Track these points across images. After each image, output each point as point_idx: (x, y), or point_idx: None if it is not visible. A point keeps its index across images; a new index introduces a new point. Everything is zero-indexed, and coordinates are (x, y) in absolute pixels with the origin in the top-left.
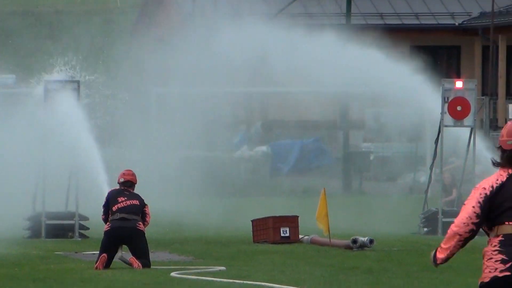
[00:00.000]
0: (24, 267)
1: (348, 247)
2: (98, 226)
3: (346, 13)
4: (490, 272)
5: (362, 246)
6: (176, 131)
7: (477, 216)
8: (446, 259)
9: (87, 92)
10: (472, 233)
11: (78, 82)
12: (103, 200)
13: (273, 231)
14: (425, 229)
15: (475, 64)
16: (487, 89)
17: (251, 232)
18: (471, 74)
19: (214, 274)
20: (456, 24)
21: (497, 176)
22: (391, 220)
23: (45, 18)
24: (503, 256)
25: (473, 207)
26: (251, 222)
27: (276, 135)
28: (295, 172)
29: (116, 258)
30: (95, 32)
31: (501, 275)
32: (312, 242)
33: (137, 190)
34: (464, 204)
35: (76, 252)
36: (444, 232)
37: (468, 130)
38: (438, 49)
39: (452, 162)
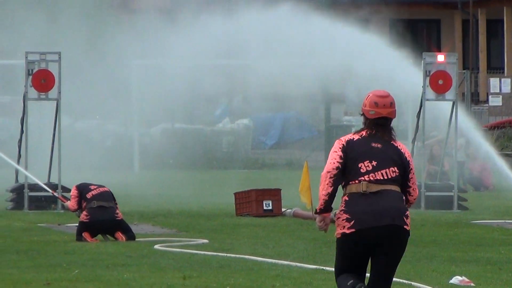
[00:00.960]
0: (7, 239)
1: (331, 221)
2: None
3: None
4: (340, 229)
5: None
6: (156, 103)
7: (341, 157)
8: (324, 204)
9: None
10: (338, 171)
11: (59, 53)
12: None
13: (256, 204)
14: None
15: (456, 38)
16: (468, 63)
17: (234, 205)
18: (451, 48)
19: (197, 246)
20: None
21: (351, 135)
22: None
23: None
24: (348, 216)
25: (336, 152)
26: (233, 195)
27: (257, 108)
28: (277, 145)
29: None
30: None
31: (348, 232)
32: (295, 215)
33: (120, 162)
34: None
35: (59, 224)
36: (428, 206)
37: (449, 104)
38: (417, 22)
39: (434, 136)
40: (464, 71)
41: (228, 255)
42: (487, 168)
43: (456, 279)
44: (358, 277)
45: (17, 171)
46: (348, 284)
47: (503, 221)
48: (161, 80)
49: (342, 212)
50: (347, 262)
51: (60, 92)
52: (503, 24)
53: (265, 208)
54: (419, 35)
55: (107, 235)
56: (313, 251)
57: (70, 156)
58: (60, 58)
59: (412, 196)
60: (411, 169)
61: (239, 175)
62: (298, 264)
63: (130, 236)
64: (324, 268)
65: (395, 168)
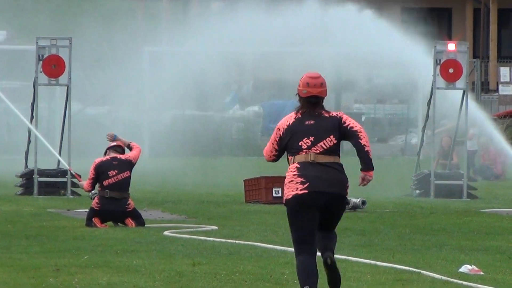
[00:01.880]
0: (17, 224)
1: None
2: None
3: None
4: (292, 191)
5: (355, 207)
6: (168, 90)
7: (276, 150)
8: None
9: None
10: (276, 157)
11: (70, 39)
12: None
13: (265, 191)
14: (417, 191)
15: (467, 26)
16: (478, 51)
17: (243, 192)
18: (462, 36)
19: (206, 233)
20: None
21: (288, 119)
22: (383, 182)
23: None
24: (302, 179)
25: (272, 144)
26: (243, 182)
27: (267, 95)
28: None
29: None
30: None
31: (300, 193)
32: None
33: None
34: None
35: (68, 210)
36: (437, 195)
37: (460, 92)
38: (429, 11)
39: (444, 124)
40: (474, 60)
41: (237, 242)
42: (499, 157)
43: (465, 268)
44: (311, 274)
45: (26, 156)
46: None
47: None
48: (173, 67)
49: (296, 176)
50: (299, 224)
51: (70, 78)
52: None
53: (274, 195)
54: (430, 24)
55: (117, 222)
56: None
57: (79, 142)
58: (71, 43)
59: (361, 139)
60: (347, 121)
61: (249, 162)
62: None
63: (140, 222)
64: None
65: (331, 137)
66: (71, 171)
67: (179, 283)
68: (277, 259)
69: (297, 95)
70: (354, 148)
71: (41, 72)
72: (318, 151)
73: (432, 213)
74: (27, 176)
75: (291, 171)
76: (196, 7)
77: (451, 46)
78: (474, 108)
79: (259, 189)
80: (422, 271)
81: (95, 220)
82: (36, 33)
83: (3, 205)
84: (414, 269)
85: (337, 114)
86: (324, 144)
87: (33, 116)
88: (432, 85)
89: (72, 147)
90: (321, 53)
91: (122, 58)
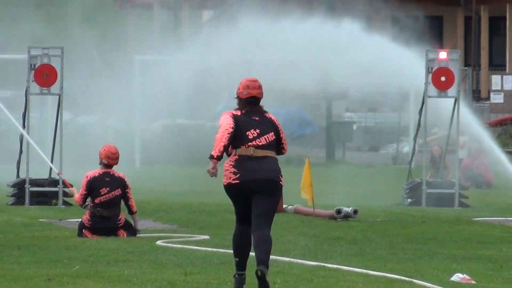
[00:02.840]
0: (8, 234)
1: (332, 217)
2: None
3: None
4: (227, 179)
5: (346, 216)
6: (159, 99)
7: (233, 122)
8: (220, 155)
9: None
10: (233, 130)
11: (62, 48)
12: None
13: None
14: (409, 200)
15: (458, 34)
16: (469, 60)
17: None
18: (453, 44)
19: (198, 242)
20: None
21: (235, 112)
22: (374, 190)
23: None
24: (235, 170)
25: (227, 118)
26: None
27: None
28: None
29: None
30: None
31: (233, 182)
32: (296, 212)
33: (121, 157)
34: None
35: (60, 220)
36: (428, 203)
37: (452, 100)
38: (420, 19)
39: (435, 132)
40: (466, 68)
41: (229, 251)
42: (487, 166)
43: (457, 277)
44: (243, 253)
45: (18, 166)
46: (234, 258)
47: (505, 218)
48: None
49: (232, 167)
50: (237, 206)
51: (62, 87)
52: (506, 21)
53: None
54: (421, 32)
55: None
56: (314, 248)
57: (71, 151)
58: (62, 53)
59: (284, 149)
60: (281, 131)
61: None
62: (299, 261)
63: (131, 232)
64: (325, 264)
65: (272, 133)
66: (60, 175)
67: None
68: (269, 268)
69: (237, 98)
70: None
71: (33, 81)
72: (261, 143)
73: (424, 222)
74: (19, 186)
75: (230, 161)
76: (186, 16)
77: (443, 54)
78: (467, 115)
79: None
80: (414, 280)
81: (85, 232)
82: (27, 42)
83: None
84: (405, 278)
85: (271, 117)
86: (266, 138)
87: (25, 126)
88: (423, 93)
89: (63, 156)
90: (312, 62)
91: (112, 66)
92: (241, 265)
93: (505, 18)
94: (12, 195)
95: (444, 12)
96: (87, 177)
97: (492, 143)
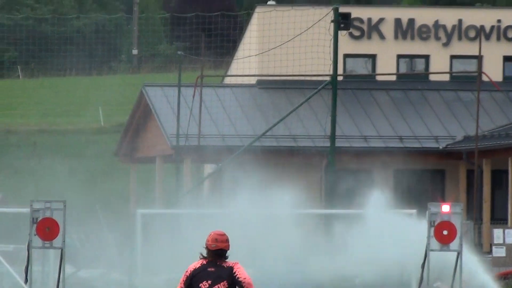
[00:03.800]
0: None
1: None
2: None
3: (330, 136)
4: None
5: None
6: (160, 252)
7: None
8: None
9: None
10: None
11: (64, 201)
12: None
13: None
14: None
15: (460, 188)
16: (471, 213)
17: None
18: (456, 198)
19: None
20: (440, 147)
21: (195, 264)
22: None
23: (29, 137)
24: None
25: (180, 284)
26: None
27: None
28: None
29: None
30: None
31: None
32: None
33: None
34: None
35: None
36: None
37: (454, 254)
38: (422, 172)
39: (438, 287)
40: (468, 221)
41: None
42: None
43: None
44: None
45: None
46: None
47: None
48: (166, 229)
49: None
50: None
51: (64, 241)
52: (508, 175)
53: None
54: (424, 185)
55: None
56: None
57: None
58: (65, 206)
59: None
60: (239, 277)
61: None
62: None
63: None
64: None
65: (225, 282)
66: None
67: None
68: None
69: (206, 248)
70: None
71: (35, 235)
72: None
73: None
74: None
75: None
76: (188, 170)
77: (445, 207)
78: (474, 266)
79: None
80: None
81: None
82: (28, 196)
83: None
84: None
85: (232, 264)
86: (218, 287)
87: (27, 280)
88: (426, 247)
89: None
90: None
91: (114, 219)
92: None
93: (507, 171)
94: None
95: (446, 165)
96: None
97: None
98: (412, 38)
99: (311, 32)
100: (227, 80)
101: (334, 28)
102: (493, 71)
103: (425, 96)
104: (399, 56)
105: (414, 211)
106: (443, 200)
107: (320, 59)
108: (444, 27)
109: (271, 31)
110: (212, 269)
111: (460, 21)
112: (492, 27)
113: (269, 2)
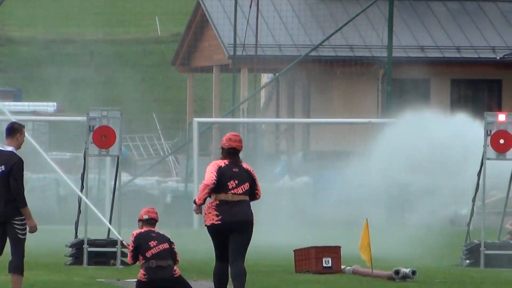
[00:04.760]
0: None
1: (390, 278)
2: None
3: (387, 45)
4: (210, 220)
5: (405, 277)
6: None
7: (215, 176)
8: (202, 202)
9: None
10: (214, 185)
11: (120, 110)
12: None
13: (316, 261)
14: (467, 261)
15: None
16: None
17: (293, 262)
18: None
19: None
20: (497, 58)
21: (219, 163)
22: (433, 252)
23: (86, 47)
24: (217, 213)
25: (213, 172)
26: (293, 252)
27: (317, 165)
28: (337, 203)
29: None
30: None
31: (216, 223)
32: (354, 272)
33: (179, 218)
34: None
35: (118, 280)
36: (487, 265)
37: (511, 163)
38: (479, 82)
39: (493, 195)
40: None
41: None
42: None
43: None
44: (223, 279)
45: (76, 226)
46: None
47: None
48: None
49: (214, 209)
50: (217, 244)
51: (121, 149)
52: None
53: (324, 265)
54: (480, 95)
55: None
56: None
57: (130, 212)
58: (121, 114)
59: (258, 195)
60: (256, 179)
61: (298, 232)
62: None
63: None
64: None
65: (248, 183)
66: (124, 242)
67: None
68: None
69: (221, 149)
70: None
71: (91, 143)
72: (238, 192)
73: (483, 282)
74: (77, 246)
75: (212, 205)
76: (245, 79)
77: (502, 117)
78: None
79: (309, 259)
80: None
81: None
82: (84, 104)
83: (53, 275)
84: None
85: (247, 167)
86: (243, 188)
87: (83, 187)
88: (482, 156)
89: (122, 217)
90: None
91: (171, 128)
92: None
93: None
94: (70, 256)
95: (503, 75)
96: (133, 234)
97: None
98: None
99: None
100: None
101: None
102: None
103: (481, 7)
104: None
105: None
106: (500, 109)
107: None
108: None
109: None
110: (236, 169)
111: None
112: None
113: None
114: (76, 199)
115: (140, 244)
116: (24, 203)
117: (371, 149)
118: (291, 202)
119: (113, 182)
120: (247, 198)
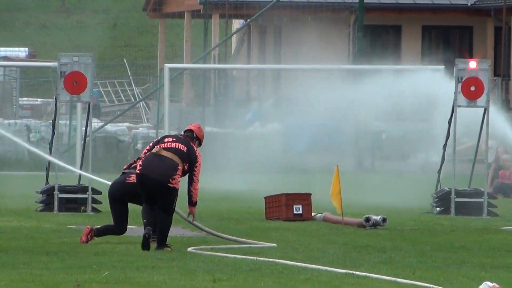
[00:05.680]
0: (37, 240)
1: (361, 225)
2: None
3: None
4: (138, 166)
5: (375, 224)
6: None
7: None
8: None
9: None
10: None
11: (92, 55)
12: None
13: (286, 208)
14: (438, 208)
15: (488, 45)
16: (499, 70)
17: (264, 209)
18: (483, 54)
19: (227, 250)
20: (469, 4)
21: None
22: (403, 199)
23: None
24: (141, 162)
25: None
26: (263, 199)
27: (288, 112)
28: (307, 150)
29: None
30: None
31: (138, 172)
32: (325, 220)
33: None
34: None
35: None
36: (457, 212)
37: (481, 110)
38: (450, 29)
39: (464, 142)
40: (495, 78)
41: (258, 258)
42: None
43: (486, 285)
44: (150, 216)
45: (47, 173)
46: (143, 220)
47: None
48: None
49: (141, 159)
50: (141, 191)
51: (92, 95)
52: None
53: (295, 212)
54: (452, 41)
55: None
56: (343, 256)
57: (100, 158)
58: (93, 60)
59: (195, 176)
60: (198, 163)
61: (269, 180)
62: (328, 268)
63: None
64: (354, 272)
65: (186, 149)
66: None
67: None
68: (297, 275)
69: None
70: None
71: (62, 88)
72: (169, 147)
73: (453, 230)
74: (48, 192)
75: (144, 153)
76: (216, 25)
77: (473, 64)
78: (501, 122)
79: (280, 206)
80: None
81: (86, 230)
82: (56, 50)
83: (23, 221)
84: (434, 286)
85: (196, 150)
86: (177, 145)
87: (54, 133)
88: (453, 103)
89: (92, 163)
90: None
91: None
92: (148, 224)
93: None
94: (41, 202)
95: (474, 22)
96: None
97: None
98: None
99: None
100: None
101: None
102: None
103: None
104: None
105: (442, 67)
106: (471, 56)
107: None
108: None
109: None
110: (181, 136)
111: None
112: None
113: None
114: (47, 145)
115: (157, 142)
116: None
117: (343, 96)
118: (262, 149)
119: (84, 128)
120: (177, 159)
